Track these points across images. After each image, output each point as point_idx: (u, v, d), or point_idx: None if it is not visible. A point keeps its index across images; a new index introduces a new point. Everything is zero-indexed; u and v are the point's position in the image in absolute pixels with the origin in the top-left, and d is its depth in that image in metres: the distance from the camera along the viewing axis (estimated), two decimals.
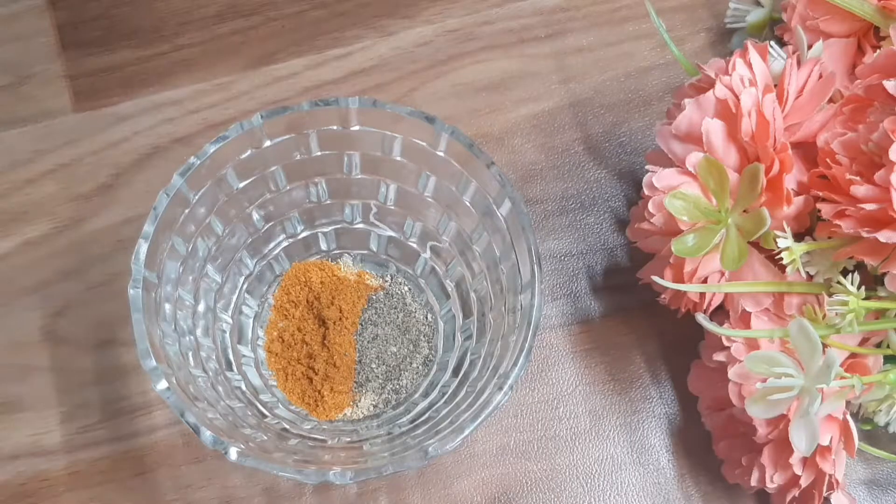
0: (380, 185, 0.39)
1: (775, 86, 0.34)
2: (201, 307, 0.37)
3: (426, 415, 0.37)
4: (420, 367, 0.40)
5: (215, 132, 0.41)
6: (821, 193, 0.32)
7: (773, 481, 0.35)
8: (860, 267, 0.33)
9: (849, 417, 0.33)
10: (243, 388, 0.37)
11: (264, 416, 0.37)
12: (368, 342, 0.39)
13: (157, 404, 0.40)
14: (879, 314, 0.33)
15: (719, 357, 0.35)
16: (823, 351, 0.30)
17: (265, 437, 0.34)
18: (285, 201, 0.39)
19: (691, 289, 0.34)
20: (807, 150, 0.35)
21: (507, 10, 0.48)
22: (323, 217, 0.41)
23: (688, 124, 0.35)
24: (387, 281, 0.41)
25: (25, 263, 0.43)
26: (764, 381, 0.31)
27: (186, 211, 0.34)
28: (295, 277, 0.40)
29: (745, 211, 0.33)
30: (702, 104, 0.34)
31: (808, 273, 0.33)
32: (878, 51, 0.35)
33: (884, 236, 0.30)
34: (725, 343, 0.34)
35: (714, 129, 0.34)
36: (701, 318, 0.34)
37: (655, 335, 0.42)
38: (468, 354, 0.38)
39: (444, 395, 0.37)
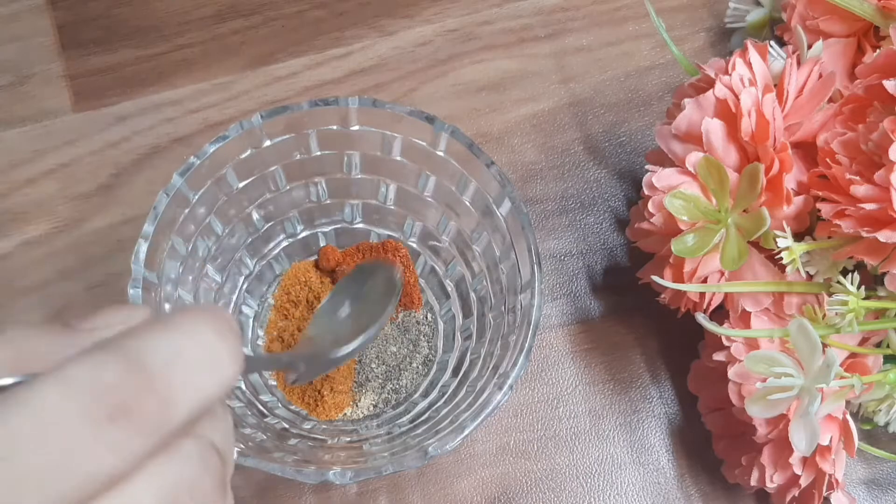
0: (380, 184, 0.39)
1: (775, 86, 0.34)
2: None
3: (426, 414, 0.37)
4: (420, 366, 0.40)
5: (215, 132, 0.41)
6: (821, 193, 0.32)
7: (773, 481, 0.35)
8: (860, 267, 0.33)
9: (849, 417, 0.33)
10: (243, 388, 0.37)
11: (264, 416, 0.37)
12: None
13: None
14: (879, 314, 0.33)
15: (719, 357, 0.35)
16: (823, 351, 0.30)
17: (265, 437, 0.34)
18: (285, 201, 0.39)
19: (691, 289, 0.34)
20: (807, 150, 0.34)
21: (507, 10, 0.48)
22: (323, 217, 0.41)
23: (688, 124, 0.35)
24: None
25: (25, 263, 0.42)
26: (764, 380, 0.31)
27: (186, 211, 0.34)
28: (295, 277, 0.40)
29: (744, 211, 0.33)
30: (702, 104, 0.34)
31: (807, 273, 0.33)
32: (878, 51, 0.35)
33: (884, 236, 0.30)
34: (725, 343, 0.34)
35: (714, 128, 0.34)
36: (701, 317, 0.34)
37: (655, 335, 0.42)
38: (468, 354, 0.38)
39: (443, 394, 0.37)
